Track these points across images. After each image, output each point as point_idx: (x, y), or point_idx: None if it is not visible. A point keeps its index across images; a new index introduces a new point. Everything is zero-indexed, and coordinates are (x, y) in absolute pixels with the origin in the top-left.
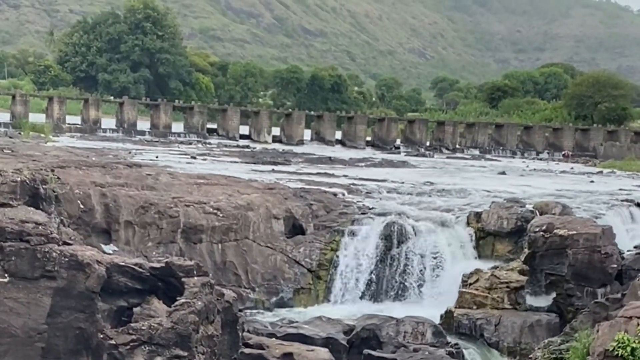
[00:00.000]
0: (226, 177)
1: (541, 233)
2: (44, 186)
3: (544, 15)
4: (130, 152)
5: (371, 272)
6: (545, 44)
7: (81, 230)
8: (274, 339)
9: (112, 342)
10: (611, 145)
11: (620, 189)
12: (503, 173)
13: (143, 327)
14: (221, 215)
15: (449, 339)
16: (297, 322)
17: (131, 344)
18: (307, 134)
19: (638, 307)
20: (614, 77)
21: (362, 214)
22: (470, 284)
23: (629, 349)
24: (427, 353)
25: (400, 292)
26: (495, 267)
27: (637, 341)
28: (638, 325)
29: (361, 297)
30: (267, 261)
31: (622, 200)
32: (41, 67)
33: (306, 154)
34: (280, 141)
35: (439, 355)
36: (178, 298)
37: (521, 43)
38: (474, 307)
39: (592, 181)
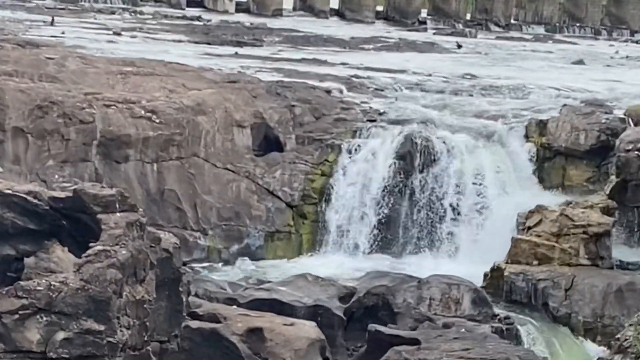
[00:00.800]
0: (166, 63)
1: (636, 153)
2: None
3: None
4: (22, 24)
5: (381, 209)
6: None
7: None
8: (234, 306)
9: None
10: None
11: None
12: (580, 62)
13: (39, 288)
14: (157, 120)
15: (496, 309)
16: (269, 282)
17: (20, 312)
18: (289, 0)
19: None
20: None
21: (369, 121)
22: (530, 228)
23: None
24: (462, 331)
25: (424, 239)
26: (567, 204)
27: None
28: None
29: (367, 246)
30: (226, 190)
31: None
32: None
33: (286, 31)
34: (247, 10)
35: (481, 334)
36: (92, 244)
37: None
38: (535, 262)
39: None
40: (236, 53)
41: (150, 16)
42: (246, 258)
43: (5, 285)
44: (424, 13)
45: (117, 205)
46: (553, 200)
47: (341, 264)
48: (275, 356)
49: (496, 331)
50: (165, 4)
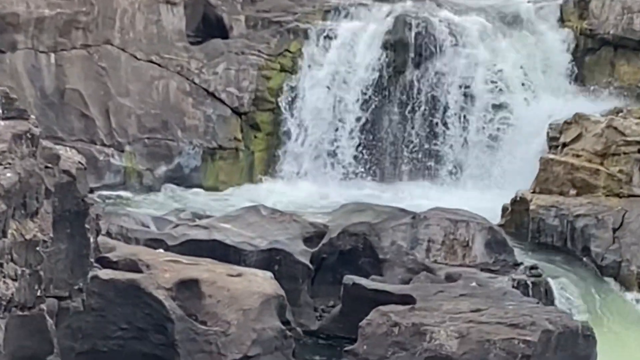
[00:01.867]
0: None
1: None
2: None
3: None
4: None
5: (362, 119)
6: None
7: None
8: (160, 250)
9: None
10: None
11: None
12: None
13: None
14: None
15: (518, 256)
16: (209, 217)
17: None
18: None
19: None
20: None
21: None
22: (565, 145)
23: None
24: (473, 285)
25: (420, 160)
26: (617, 112)
27: None
28: None
29: (342, 170)
30: (150, 91)
31: None
32: None
33: None
34: None
35: (498, 290)
36: None
37: None
38: (571, 191)
39: None
40: None
41: None
42: (177, 184)
43: None
44: None
45: (0, 111)
46: (597, 107)
47: (307, 192)
48: (216, 318)
49: (518, 285)
50: None
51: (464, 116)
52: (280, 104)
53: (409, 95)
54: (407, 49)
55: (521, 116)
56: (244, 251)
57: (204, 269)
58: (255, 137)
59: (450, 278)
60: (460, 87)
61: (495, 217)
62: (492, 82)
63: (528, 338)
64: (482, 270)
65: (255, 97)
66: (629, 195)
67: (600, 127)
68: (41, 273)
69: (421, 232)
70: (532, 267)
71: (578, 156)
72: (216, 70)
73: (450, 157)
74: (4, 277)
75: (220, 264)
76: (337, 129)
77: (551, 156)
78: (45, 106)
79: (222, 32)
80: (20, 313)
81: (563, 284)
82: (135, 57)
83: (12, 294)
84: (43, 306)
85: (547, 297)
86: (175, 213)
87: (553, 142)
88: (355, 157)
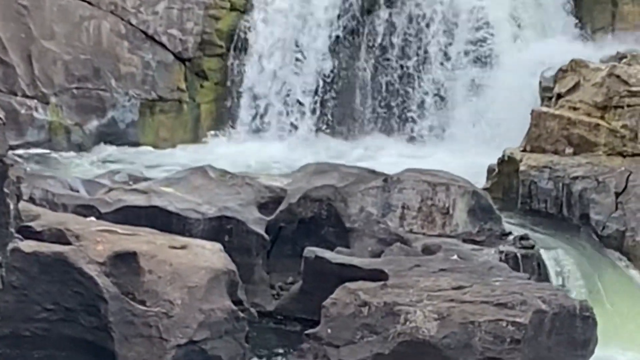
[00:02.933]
0: None
1: None
2: None
3: None
4: None
5: (326, 64)
6: None
7: None
8: (92, 218)
9: None
10: None
11: None
12: None
13: None
14: None
15: (506, 224)
16: (148, 179)
17: None
18: None
19: None
20: None
21: None
22: (560, 96)
23: None
24: (454, 258)
25: (393, 112)
26: (620, 58)
27: None
28: None
29: (303, 124)
30: (79, 34)
31: None
32: None
33: None
34: None
35: (483, 264)
36: None
37: None
38: (568, 150)
39: None
40: None
41: None
42: (111, 141)
43: None
44: None
45: None
46: (597, 51)
47: (263, 151)
48: (157, 296)
49: (506, 258)
50: None
51: (444, 63)
52: (230, 49)
53: (380, 37)
54: None
55: (510, 62)
56: (189, 219)
57: (143, 240)
58: (202, 87)
59: (427, 250)
60: (439, 29)
61: (479, 180)
62: (476, 22)
63: (518, 320)
64: (464, 241)
65: (202, 41)
66: (634, 154)
67: (600, 76)
68: None
69: (394, 197)
70: (523, 238)
71: (575, 109)
72: (156, 10)
73: (427, 110)
74: None
75: (162, 235)
76: (297, 78)
77: (544, 109)
78: None
79: None
80: None
81: (558, 256)
82: None
83: None
84: None
85: (539, 272)
86: (108, 175)
87: (546, 93)
88: (317, 109)
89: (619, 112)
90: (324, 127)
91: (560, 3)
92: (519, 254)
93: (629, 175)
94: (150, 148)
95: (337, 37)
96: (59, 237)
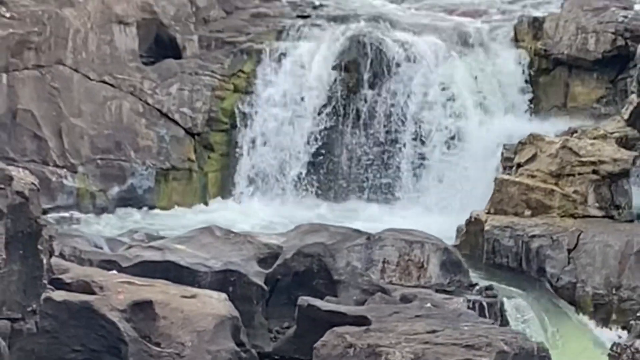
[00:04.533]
0: None
1: None
2: None
3: None
4: None
5: (316, 139)
6: None
7: None
8: (114, 271)
9: None
10: None
11: None
12: None
13: None
14: (8, 15)
15: (473, 277)
16: (162, 238)
17: None
18: None
19: None
20: None
21: (300, 17)
22: (520, 166)
23: None
24: (428, 306)
25: (374, 180)
26: (571, 132)
27: None
28: None
29: (296, 190)
30: (103, 112)
31: None
32: None
33: None
34: None
35: (453, 311)
36: None
37: None
38: (526, 212)
39: None
40: None
41: None
42: (130, 205)
43: None
44: None
45: None
46: (552, 127)
47: (261, 213)
48: (170, 339)
49: (473, 306)
50: None
51: (419, 136)
52: (234, 125)
53: (363, 115)
54: (361, 69)
55: (475, 136)
56: (198, 272)
57: (158, 291)
58: (209, 157)
59: (405, 299)
60: (414, 107)
61: (450, 238)
62: (447, 102)
63: (484, 359)
64: (437, 291)
65: (209, 118)
66: (584, 216)
67: (554, 148)
68: None
69: (376, 253)
70: (488, 288)
71: (533, 177)
72: (169, 91)
73: (404, 178)
74: None
75: (174, 286)
76: (291, 150)
77: (506, 177)
78: None
79: (175, 52)
80: None
81: (518, 305)
82: (88, 78)
83: None
84: None
85: (502, 318)
86: (128, 234)
87: (507, 163)
88: (309, 178)
89: (571, 180)
90: (314, 191)
91: (519, 85)
92: (484, 303)
93: (579, 235)
94: (164, 211)
95: (327, 113)
96: (86, 287)
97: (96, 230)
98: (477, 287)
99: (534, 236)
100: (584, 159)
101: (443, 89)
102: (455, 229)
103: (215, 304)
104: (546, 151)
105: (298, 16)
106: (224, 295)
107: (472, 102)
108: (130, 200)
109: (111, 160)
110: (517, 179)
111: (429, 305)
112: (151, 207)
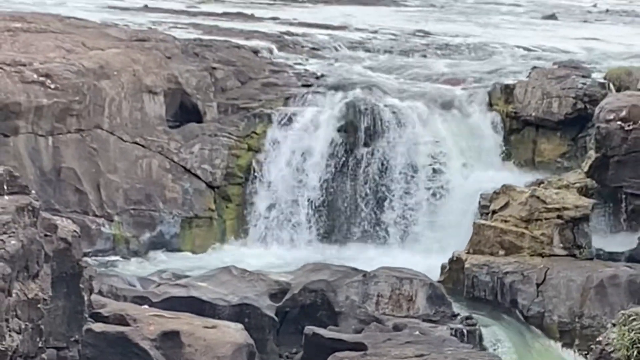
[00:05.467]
0: (62, 18)
1: (618, 123)
2: None
3: None
4: None
5: (319, 190)
6: None
7: None
8: (145, 306)
9: None
10: None
11: None
12: (552, 17)
13: None
14: (53, 86)
15: (455, 308)
16: (187, 276)
17: None
18: None
19: None
20: None
21: (304, 86)
22: (495, 212)
23: None
24: (416, 333)
25: (370, 225)
26: (539, 183)
27: None
28: None
29: (302, 234)
30: (135, 169)
31: None
32: None
33: None
34: None
35: (438, 338)
36: None
37: None
38: (501, 252)
39: None
40: (146, 6)
41: None
42: (159, 249)
43: None
44: None
45: (5, 187)
46: (521, 179)
47: (272, 254)
48: None
49: (455, 333)
50: None
51: (408, 188)
52: (248, 179)
53: (360, 170)
54: (357, 131)
55: (457, 187)
56: (217, 306)
57: (184, 322)
58: (227, 207)
59: (397, 327)
60: (403, 162)
61: (435, 275)
62: (432, 158)
63: None
64: (424, 320)
65: (227, 173)
66: (550, 255)
67: (524, 197)
68: (42, 327)
69: (371, 288)
70: (468, 318)
71: (506, 221)
72: (192, 150)
73: (396, 223)
74: (9, 330)
75: (198, 318)
76: (297, 200)
77: (483, 222)
78: (44, 182)
79: (197, 117)
80: None
81: (494, 332)
82: (122, 139)
83: (17, 346)
84: (44, 356)
85: (480, 343)
86: (157, 274)
87: (484, 210)
88: (313, 224)
89: (539, 224)
90: (318, 235)
91: (493, 143)
92: (465, 330)
93: (546, 271)
94: (189, 253)
95: (329, 168)
96: (121, 320)
97: (130, 271)
98: (459, 317)
99: (507, 273)
100: (549, 206)
101: (428, 147)
102: (439, 267)
103: (233, 333)
104: (517, 199)
105: (303, 85)
106: (240, 326)
107: (454, 157)
108: (159, 244)
109: (142, 210)
110: (492, 224)
111: (417, 332)
112: (177, 250)
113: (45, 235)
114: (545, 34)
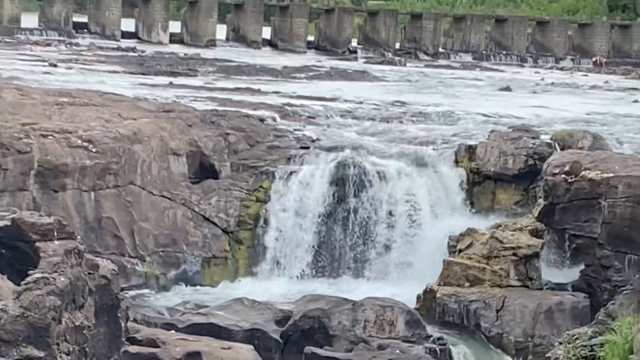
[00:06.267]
0: (102, 94)
1: (562, 176)
2: None
3: None
4: None
5: (316, 234)
6: None
7: None
8: (172, 331)
9: None
10: None
11: None
12: (507, 89)
13: None
14: (95, 150)
15: (429, 330)
16: (207, 306)
17: None
18: (221, 31)
19: None
20: None
21: (303, 148)
22: (461, 251)
23: None
24: (397, 352)
25: (359, 262)
26: (497, 226)
27: None
28: None
29: (302, 271)
30: (163, 218)
31: None
32: None
33: (219, 61)
34: (181, 42)
35: (415, 355)
36: (30, 272)
37: None
38: (466, 284)
39: (635, 101)
40: (171, 83)
41: (86, 48)
42: (183, 283)
43: None
44: (354, 42)
45: (55, 233)
46: (483, 223)
47: (277, 288)
48: None
49: (429, 352)
50: (100, 36)
51: (389, 231)
52: (256, 225)
53: (349, 217)
54: (347, 184)
55: (429, 230)
56: (232, 331)
57: (204, 344)
58: (239, 249)
59: (381, 347)
60: (385, 211)
61: (412, 303)
62: (409, 206)
63: None
64: (403, 341)
65: (239, 221)
66: (507, 286)
67: (485, 238)
68: (87, 349)
69: (359, 315)
70: (439, 339)
71: (470, 258)
72: (210, 202)
73: (380, 260)
74: (60, 352)
75: (216, 340)
76: (297, 243)
77: (451, 259)
78: (87, 230)
79: (214, 174)
80: None
81: (461, 350)
82: (152, 193)
83: None
84: None
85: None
86: (182, 304)
87: (452, 249)
88: (311, 262)
89: (497, 260)
90: (315, 271)
91: (459, 193)
92: (437, 349)
93: (504, 299)
94: (208, 287)
95: (324, 216)
96: (152, 343)
97: (159, 302)
98: (432, 338)
99: (472, 301)
100: (506, 245)
101: (406, 197)
102: (415, 297)
103: (245, 353)
104: (479, 240)
105: (301, 147)
106: (251, 347)
107: (427, 206)
108: (183, 280)
109: (169, 252)
110: (459, 260)
111: (398, 351)
112: (198, 285)
113: (89, 273)
114: (502, 103)
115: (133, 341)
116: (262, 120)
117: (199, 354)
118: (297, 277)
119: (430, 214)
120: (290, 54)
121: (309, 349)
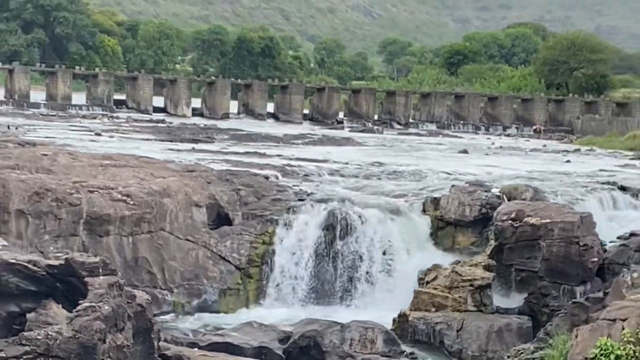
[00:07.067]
0: (137, 157)
1: (509, 222)
2: None
3: None
4: (21, 128)
5: (311, 270)
6: (512, 1)
7: None
8: (195, 349)
9: (2, 354)
10: (589, 118)
11: (601, 170)
12: (464, 152)
13: (39, 337)
14: (132, 202)
15: (403, 347)
16: (223, 329)
17: (24, 357)
18: (234, 106)
19: (623, 308)
20: (592, 39)
21: (300, 200)
22: (428, 282)
23: (612, 356)
24: None
25: (345, 292)
26: (457, 262)
27: (621, 347)
28: (623, 329)
29: (300, 299)
30: (187, 257)
31: (602, 183)
32: None
33: (232, 130)
34: (201, 115)
35: None
36: (80, 302)
37: None
38: (433, 309)
39: (568, 161)
40: (193, 148)
41: (124, 120)
42: (204, 310)
43: (11, 335)
44: (341, 114)
45: (101, 270)
46: (446, 260)
47: (280, 313)
48: None
49: None
50: (135, 110)
51: (370, 267)
52: (263, 263)
53: (338, 255)
54: (335, 229)
55: (402, 267)
56: (244, 348)
57: (221, 359)
58: (249, 282)
59: None
60: (366, 251)
61: (389, 325)
62: (386, 247)
63: None
64: (382, 356)
65: (249, 260)
66: (465, 310)
67: (447, 272)
68: None
69: (346, 335)
70: (411, 354)
71: (435, 289)
72: (225, 244)
73: (362, 292)
74: None
75: (231, 356)
76: (296, 277)
77: (420, 289)
78: (126, 267)
79: (228, 222)
80: None
81: None
82: (179, 238)
83: None
84: None
85: None
86: (203, 327)
87: (421, 281)
88: (307, 293)
89: (457, 290)
90: (311, 300)
91: (426, 237)
92: None
93: (463, 321)
94: (224, 314)
95: (317, 255)
96: (179, 359)
97: (185, 325)
98: (405, 353)
99: (437, 323)
100: (464, 278)
101: (382, 240)
102: (391, 320)
103: None
104: (443, 274)
105: (299, 200)
106: None
107: (401, 246)
108: (204, 308)
109: (193, 285)
110: (427, 290)
111: None
112: (216, 312)
113: (128, 302)
114: (460, 163)
115: (164, 357)
116: (267, 178)
117: None
118: (297, 305)
119: (404, 253)
120: (289, 124)
121: None
